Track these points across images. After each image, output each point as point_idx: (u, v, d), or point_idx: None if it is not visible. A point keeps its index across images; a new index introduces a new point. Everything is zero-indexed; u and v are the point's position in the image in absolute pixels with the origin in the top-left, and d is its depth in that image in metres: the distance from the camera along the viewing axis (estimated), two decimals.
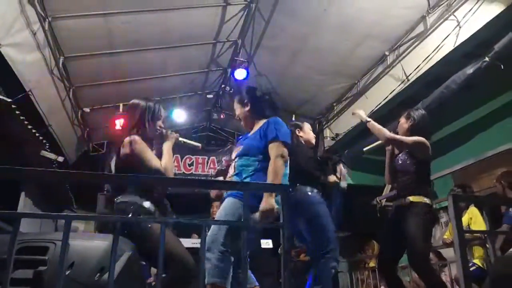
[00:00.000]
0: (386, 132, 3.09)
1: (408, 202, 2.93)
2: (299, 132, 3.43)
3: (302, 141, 3.40)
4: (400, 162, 3.13)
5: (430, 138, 3.15)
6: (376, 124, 3.17)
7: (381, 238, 3.20)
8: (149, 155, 2.36)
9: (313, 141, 3.55)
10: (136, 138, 2.41)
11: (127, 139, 2.41)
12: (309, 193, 3.04)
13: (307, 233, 3.02)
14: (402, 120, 3.21)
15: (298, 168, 2.95)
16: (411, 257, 2.85)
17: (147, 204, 2.26)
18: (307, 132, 3.49)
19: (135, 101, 2.64)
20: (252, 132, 2.73)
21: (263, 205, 2.26)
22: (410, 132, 3.11)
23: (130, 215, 2.16)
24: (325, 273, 2.91)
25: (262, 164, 2.48)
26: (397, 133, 3.25)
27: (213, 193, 4.27)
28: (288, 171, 2.60)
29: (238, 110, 2.82)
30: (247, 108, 2.76)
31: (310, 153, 3.41)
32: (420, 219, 2.85)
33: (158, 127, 2.61)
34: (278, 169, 2.40)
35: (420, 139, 3.00)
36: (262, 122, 2.68)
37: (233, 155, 2.72)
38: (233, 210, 2.34)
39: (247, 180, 2.45)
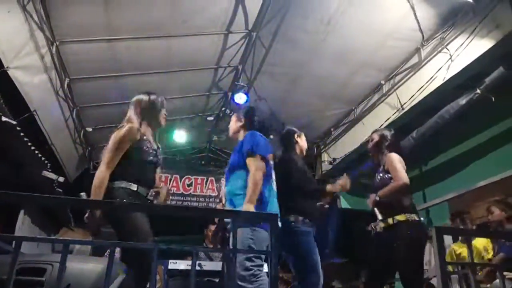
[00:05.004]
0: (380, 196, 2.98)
1: (395, 222, 2.85)
2: (297, 137, 3.41)
3: (297, 149, 3.39)
4: (378, 179, 3.04)
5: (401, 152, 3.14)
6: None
7: (370, 262, 3.16)
8: (117, 150, 2.47)
9: (304, 152, 3.52)
10: (132, 126, 2.57)
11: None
12: (292, 224, 3.00)
13: (290, 262, 3.05)
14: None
15: (289, 181, 2.99)
16: (405, 281, 2.80)
17: (134, 187, 2.42)
18: (303, 140, 3.48)
19: (139, 96, 2.81)
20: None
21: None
22: (380, 149, 3.15)
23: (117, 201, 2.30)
24: None
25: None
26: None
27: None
28: (275, 187, 2.61)
29: (232, 122, 2.95)
30: (239, 124, 2.88)
31: (303, 164, 3.34)
32: (411, 240, 2.77)
33: (163, 116, 2.83)
34: (258, 181, 2.41)
35: (393, 161, 2.94)
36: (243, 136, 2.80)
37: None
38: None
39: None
